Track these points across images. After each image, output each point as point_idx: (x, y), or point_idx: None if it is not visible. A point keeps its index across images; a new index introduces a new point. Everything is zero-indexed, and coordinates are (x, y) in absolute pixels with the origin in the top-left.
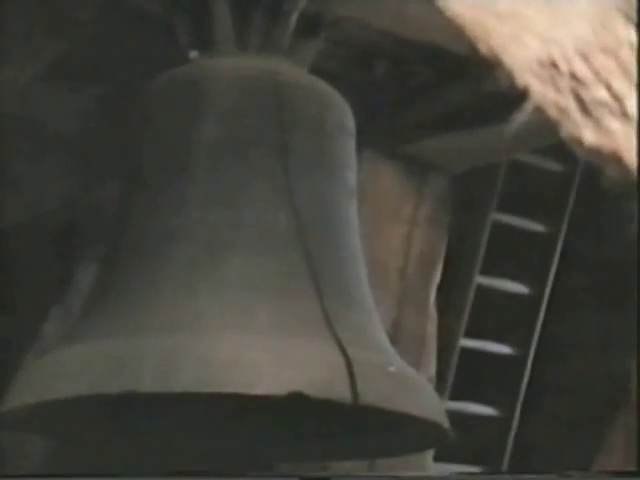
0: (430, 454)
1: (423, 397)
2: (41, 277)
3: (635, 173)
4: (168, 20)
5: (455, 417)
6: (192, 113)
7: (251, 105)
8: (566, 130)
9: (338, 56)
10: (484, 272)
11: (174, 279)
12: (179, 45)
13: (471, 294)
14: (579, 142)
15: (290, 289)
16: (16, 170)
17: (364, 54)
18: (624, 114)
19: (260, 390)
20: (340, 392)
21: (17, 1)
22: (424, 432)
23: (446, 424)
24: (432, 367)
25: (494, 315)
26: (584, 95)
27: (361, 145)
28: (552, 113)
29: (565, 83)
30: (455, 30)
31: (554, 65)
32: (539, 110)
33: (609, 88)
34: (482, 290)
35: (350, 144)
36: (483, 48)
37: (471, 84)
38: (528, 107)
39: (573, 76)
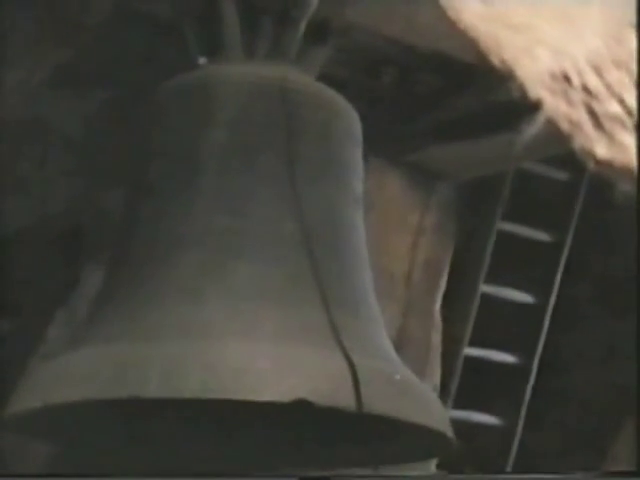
0: (433, 462)
1: (427, 406)
2: (46, 280)
3: None
4: (177, 26)
5: (459, 426)
6: (200, 119)
7: (259, 112)
8: (578, 143)
9: (346, 63)
10: (489, 281)
11: (181, 285)
12: (188, 51)
13: (476, 303)
14: (591, 155)
15: (296, 297)
16: (23, 173)
17: (372, 62)
18: (637, 128)
19: (265, 397)
20: (345, 400)
21: (25, 6)
22: (428, 441)
23: (450, 433)
24: (437, 376)
25: (499, 324)
26: (597, 108)
27: (368, 153)
28: (564, 126)
29: (577, 96)
30: (464, 39)
31: (566, 78)
32: (551, 123)
33: (622, 102)
34: (487, 299)
35: (357, 152)
36: (496, 60)
37: (479, 93)
38: (540, 119)
39: (585, 89)
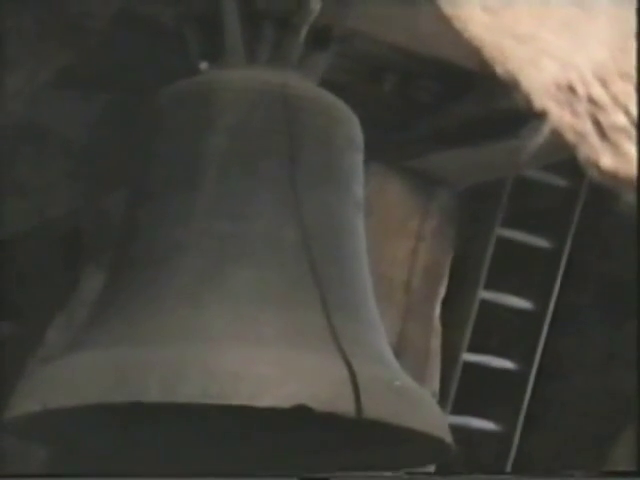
0: (432, 468)
1: (426, 412)
2: (46, 284)
3: None
4: (179, 31)
5: (457, 432)
6: (201, 124)
7: (260, 117)
8: (583, 153)
9: (348, 69)
10: (488, 287)
11: (181, 290)
12: (189, 56)
13: (475, 309)
14: (596, 166)
15: (296, 301)
16: (23, 177)
17: (373, 68)
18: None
19: (265, 402)
20: (344, 406)
21: (28, 9)
22: (427, 447)
23: (449, 439)
24: (436, 381)
25: (497, 330)
26: (602, 119)
27: (368, 159)
28: (569, 136)
29: (583, 107)
30: (467, 47)
31: (572, 89)
32: (556, 133)
33: (627, 113)
34: (486, 305)
35: (358, 157)
36: (501, 70)
37: (479, 100)
38: (544, 129)
39: (591, 100)
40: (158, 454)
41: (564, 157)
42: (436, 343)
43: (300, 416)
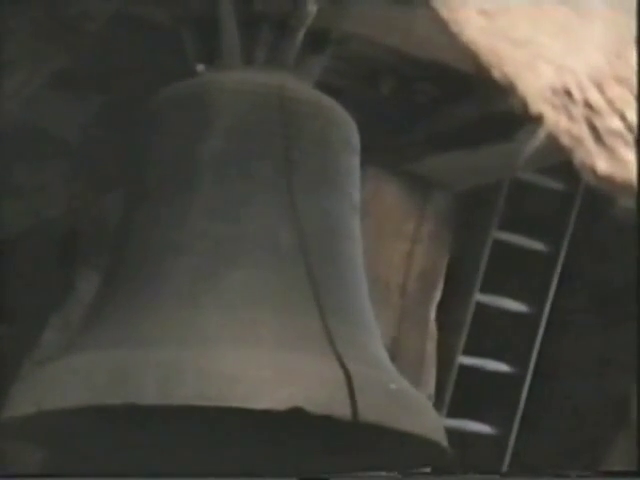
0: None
1: (422, 415)
2: (42, 285)
3: None
4: (176, 33)
5: (453, 435)
6: (197, 126)
7: (256, 119)
8: (579, 158)
9: (344, 72)
10: (484, 290)
11: (176, 292)
12: (186, 58)
13: (471, 312)
14: (592, 170)
15: (292, 304)
16: (19, 178)
17: (370, 71)
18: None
19: (261, 405)
20: (340, 409)
21: (24, 11)
22: (422, 450)
23: (444, 442)
24: (431, 385)
25: (493, 333)
26: (598, 124)
27: (365, 161)
28: (565, 140)
29: (579, 111)
30: (463, 51)
31: (568, 93)
32: (552, 137)
33: (623, 118)
34: (482, 308)
35: (354, 160)
36: (497, 74)
37: (476, 103)
38: (540, 133)
39: (587, 105)
40: (154, 456)
41: (560, 161)
42: (432, 346)
43: (295, 419)
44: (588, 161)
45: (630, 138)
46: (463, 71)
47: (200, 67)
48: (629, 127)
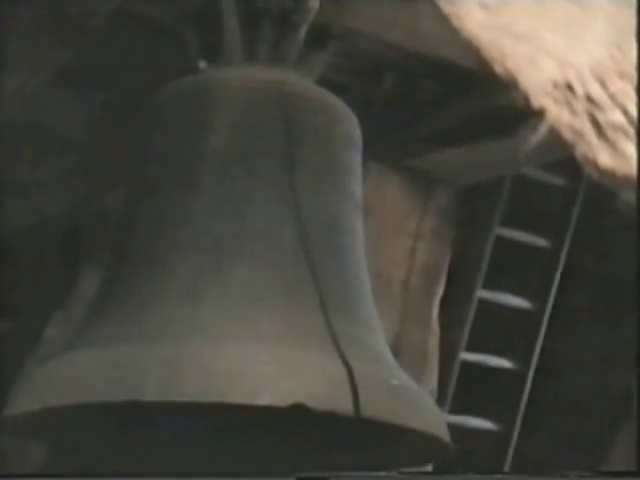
0: (429, 467)
1: (425, 411)
2: (44, 282)
3: None
4: (178, 30)
5: (455, 431)
6: (199, 123)
7: (258, 116)
8: (581, 152)
9: (346, 68)
10: (486, 286)
11: (179, 289)
12: (188, 55)
13: (473, 308)
14: (593, 164)
15: (294, 301)
16: (21, 175)
17: (373, 67)
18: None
19: (262, 401)
20: (342, 405)
21: (26, 8)
22: (425, 446)
23: (447, 438)
24: (434, 381)
25: (495, 329)
26: (600, 118)
27: (367, 158)
28: (567, 134)
29: (581, 105)
30: (466, 47)
31: (570, 87)
32: (554, 131)
33: (625, 112)
34: (484, 304)
35: (356, 156)
36: (499, 69)
37: (478, 99)
38: (542, 127)
39: (589, 99)
40: (156, 453)
41: (563, 156)
42: (434, 342)
43: (298, 415)
44: (590, 155)
45: (632, 132)
46: (465, 67)
47: (202, 64)
48: (631, 121)
